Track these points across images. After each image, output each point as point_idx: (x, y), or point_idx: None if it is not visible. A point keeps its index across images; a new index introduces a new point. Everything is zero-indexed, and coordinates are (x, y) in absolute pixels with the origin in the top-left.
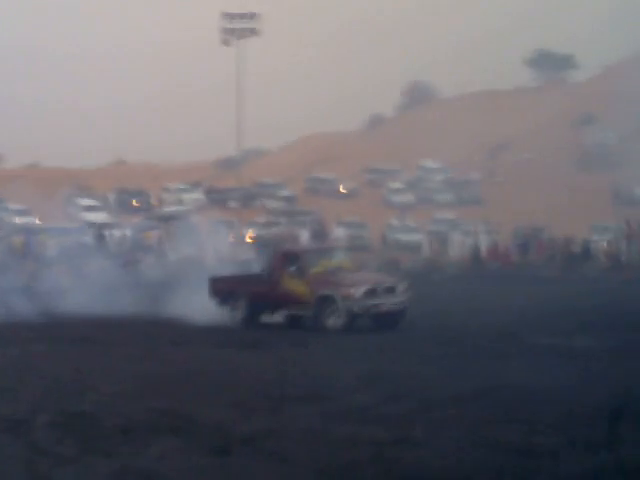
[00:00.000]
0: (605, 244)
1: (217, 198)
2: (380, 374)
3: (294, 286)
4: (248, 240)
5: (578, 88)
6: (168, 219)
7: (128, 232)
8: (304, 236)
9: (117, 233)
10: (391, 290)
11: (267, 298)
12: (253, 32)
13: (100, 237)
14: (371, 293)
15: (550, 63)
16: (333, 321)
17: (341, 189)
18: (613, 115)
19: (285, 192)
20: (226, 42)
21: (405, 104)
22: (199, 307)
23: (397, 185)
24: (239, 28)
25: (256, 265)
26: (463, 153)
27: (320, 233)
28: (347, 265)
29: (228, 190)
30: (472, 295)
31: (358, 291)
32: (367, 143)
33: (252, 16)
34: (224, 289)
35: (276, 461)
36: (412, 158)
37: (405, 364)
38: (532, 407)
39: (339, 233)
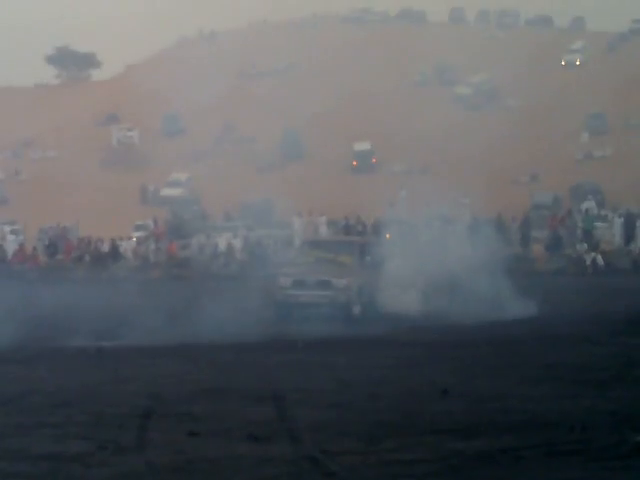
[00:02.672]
0: (134, 244)
1: None
2: None
3: None
4: None
5: (101, 86)
6: None
7: None
8: None
9: None
10: None
11: None
12: None
13: None
14: None
15: (72, 61)
16: None
17: None
18: (136, 114)
19: None
20: None
21: None
22: None
23: None
24: None
25: None
26: None
27: None
28: None
29: None
30: None
31: None
32: None
33: None
34: None
35: None
36: None
37: None
38: (63, 411)
39: None
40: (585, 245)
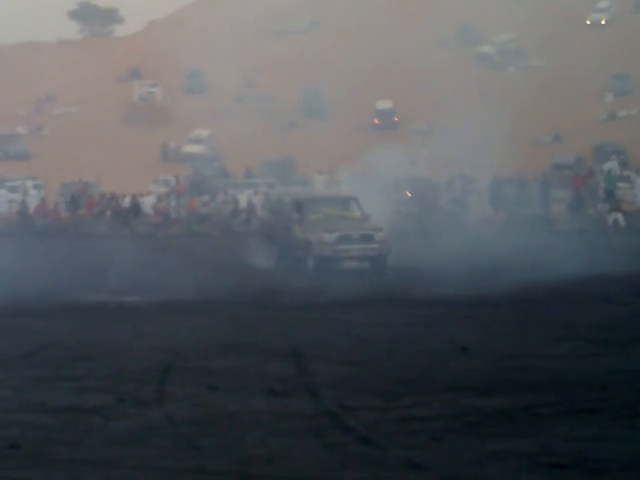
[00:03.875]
0: (155, 200)
1: None
2: None
3: None
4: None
5: (123, 42)
6: None
7: None
8: None
9: None
10: None
11: None
12: None
13: None
14: None
15: (94, 16)
16: None
17: None
18: (158, 71)
19: None
20: None
21: None
22: None
23: None
24: None
25: None
26: (7, 106)
27: None
28: None
29: None
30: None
31: None
32: None
33: None
34: None
35: None
36: None
37: None
38: (83, 365)
39: None
40: (607, 205)
